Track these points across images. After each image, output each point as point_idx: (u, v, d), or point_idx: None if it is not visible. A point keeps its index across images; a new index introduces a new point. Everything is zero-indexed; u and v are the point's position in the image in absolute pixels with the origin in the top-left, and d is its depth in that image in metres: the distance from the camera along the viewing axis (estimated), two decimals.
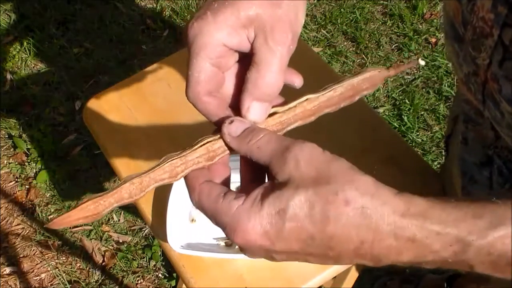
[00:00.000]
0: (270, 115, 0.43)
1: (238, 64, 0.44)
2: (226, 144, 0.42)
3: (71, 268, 1.56)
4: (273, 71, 0.40)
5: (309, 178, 0.36)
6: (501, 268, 0.35)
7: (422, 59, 0.44)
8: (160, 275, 1.54)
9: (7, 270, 1.56)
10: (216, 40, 0.40)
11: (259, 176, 0.42)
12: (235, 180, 0.43)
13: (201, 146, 0.42)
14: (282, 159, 0.38)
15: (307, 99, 0.43)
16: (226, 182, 0.43)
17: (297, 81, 0.44)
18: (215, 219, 0.39)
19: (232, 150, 0.42)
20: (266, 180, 0.40)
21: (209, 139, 0.42)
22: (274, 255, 0.38)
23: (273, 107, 0.43)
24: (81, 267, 1.56)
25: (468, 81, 0.63)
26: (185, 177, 0.42)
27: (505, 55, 0.53)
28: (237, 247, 0.84)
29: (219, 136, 0.42)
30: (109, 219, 1.64)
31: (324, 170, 0.37)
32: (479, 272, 0.36)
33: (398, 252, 0.36)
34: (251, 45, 0.41)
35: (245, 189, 0.40)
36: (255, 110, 0.41)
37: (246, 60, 0.43)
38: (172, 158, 0.42)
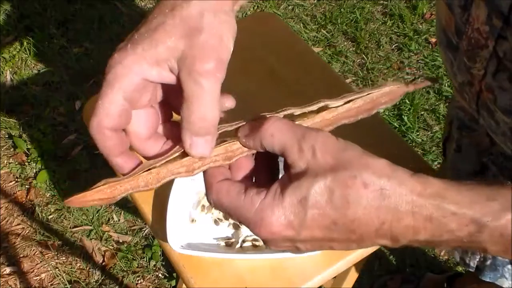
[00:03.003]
0: (289, 117, 0.42)
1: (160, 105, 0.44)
2: (243, 145, 0.42)
3: (71, 268, 1.56)
4: (203, 105, 0.39)
5: (326, 165, 0.37)
6: None
7: (440, 81, 0.45)
8: (160, 275, 1.54)
9: (7, 270, 1.56)
10: (133, 72, 0.39)
11: (274, 176, 0.43)
12: None
13: (220, 145, 0.42)
14: (298, 148, 0.38)
15: (324, 107, 0.42)
16: (250, 175, 0.43)
17: (228, 102, 0.43)
18: (237, 216, 0.40)
19: (249, 151, 0.42)
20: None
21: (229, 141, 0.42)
22: (298, 245, 0.39)
23: (288, 109, 0.42)
24: (81, 267, 1.56)
25: (462, 90, 0.62)
26: (204, 174, 0.42)
27: (499, 66, 0.53)
28: (237, 247, 0.84)
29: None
30: (109, 219, 1.64)
31: (339, 157, 0.38)
32: (492, 254, 0.37)
33: (416, 231, 0.37)
34: (178, 78, 0.39)
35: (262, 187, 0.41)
36: (197, 146, 0.40)
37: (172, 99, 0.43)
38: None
